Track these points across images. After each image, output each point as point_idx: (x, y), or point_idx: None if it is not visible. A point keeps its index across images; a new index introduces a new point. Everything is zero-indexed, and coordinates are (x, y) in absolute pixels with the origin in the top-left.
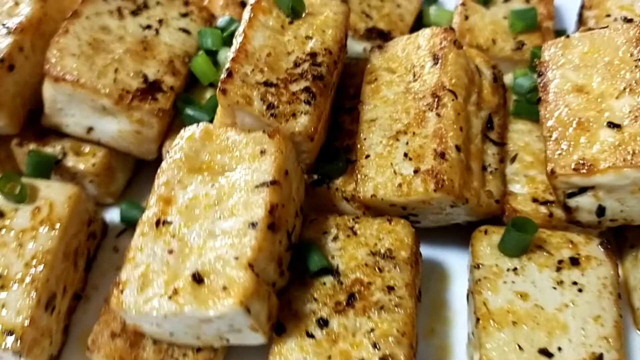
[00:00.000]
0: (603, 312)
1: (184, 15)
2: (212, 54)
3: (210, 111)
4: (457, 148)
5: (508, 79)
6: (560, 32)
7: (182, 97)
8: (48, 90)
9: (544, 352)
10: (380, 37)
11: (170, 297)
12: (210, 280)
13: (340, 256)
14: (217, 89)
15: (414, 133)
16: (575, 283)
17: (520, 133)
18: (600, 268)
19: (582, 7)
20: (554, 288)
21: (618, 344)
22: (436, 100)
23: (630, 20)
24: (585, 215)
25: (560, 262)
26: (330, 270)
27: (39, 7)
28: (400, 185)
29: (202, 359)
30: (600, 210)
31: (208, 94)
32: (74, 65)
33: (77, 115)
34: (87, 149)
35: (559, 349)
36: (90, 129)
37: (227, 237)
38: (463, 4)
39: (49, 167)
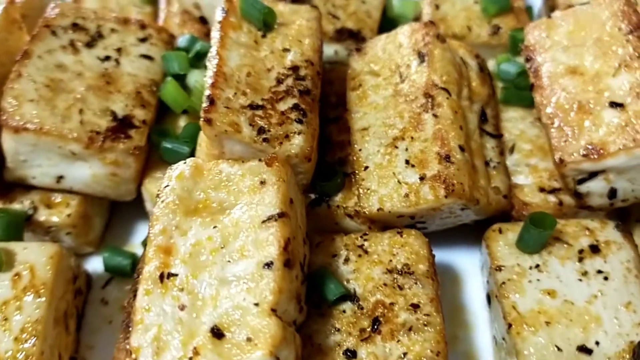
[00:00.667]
0: (632, 298)
1: (143, 40)
2: (180, 78)
3: (189, 141)
4: (461, 148)
5: (491, 66)
6: (529, 10)
7: (156, 130)
8: (8, 142)
9: (583, 349)
10: (350, 37)
11: (191, 359)
12: (231, 333)
13: (355, 279)
14: (201, 120)
15: (412, 138)
16: (599, 272)
17: (513, 121)
18: (621, 252)
19: None
20: (580, 280)
21: None
22: (430, 100)
23: None
24: (597, 199)
25: (580, 251)
26: (349, 296)
27: None
28: (407, 195)
29: None
30: (612, 193)
31: (182, 122)
32: (34, 112)
33: (44, 165)
34: (58, 199)
35: (597, 343)
36: (60, 178)
37: (242, 283)
38: None
39: (21, 226)
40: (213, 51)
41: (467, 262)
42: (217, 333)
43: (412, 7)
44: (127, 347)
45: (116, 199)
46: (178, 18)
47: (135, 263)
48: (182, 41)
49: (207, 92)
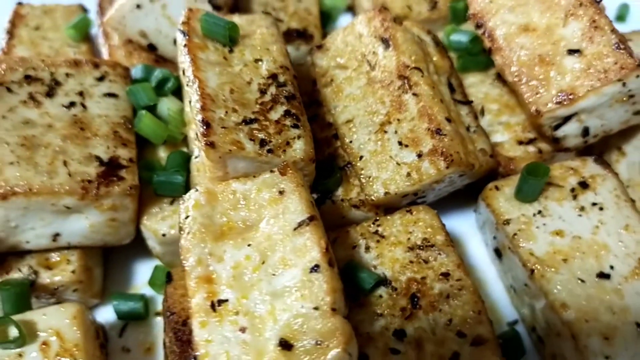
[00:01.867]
0: (629, 220)
1: (100, 78)
2: (150, 109)
3: (180, 170)
4: (448, 120)
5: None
6: None
7: (142, 165)
8: None
9: (601, 275)
10: (298, 37)
11: None
12: (300, 342)
13: (381, 264)
14: (202, 144)
15: (398, 120)
16: (594, 204)
17: (475, 86)
18: (607, 182)
19: None
20: (580, 215)
21: None
22: (405, 81)
23: None
24: (573, 140)
25: (572, 190)
26: (381, 281)
27: None
28: (409, 174)
29: None
30: (585, 131)
31: (162, 153)
32: (17, 175)
33: (38, 227)
34: (56, 257)
35: (612, 267)
36: (56, 236)
37: (294, 291)
38: None
39: (28, 295)
40: (189, 75)
41: (463, 225)
42: (285, 345)
43: None
44: None
45: (115, 244)
46: (122, 50)
47: (147, 304)
48: (136, 72)
49: (199, 117)
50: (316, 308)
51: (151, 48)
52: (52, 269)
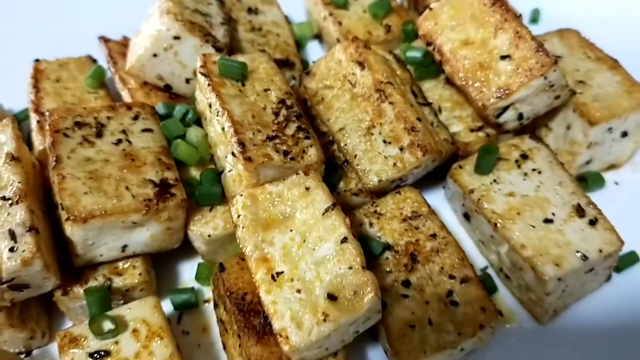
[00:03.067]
0: (561, 178)
1: (135, 118)
2: (181, 138)
3: (215, 183)
4: (418, 119)
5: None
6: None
7: (183, 182)
8: (77, 233)
9: (547, 221)
10: (283, 65)
11: (324, 320)
12: (342, 293)
13: (383, 234)
14: (241, 159)
15: (380, 124)
16: (534, 170)
17: (431, 90)
18: (541, 152)
19: None
20: (524, 179)
21: (581, 192)
22: (382, 93)
23: None
24: (511, 123)
25: (516, 161)
26: (386, 247)
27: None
28: (395, 164)
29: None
30: (520, 116)
31: (193, 171)
32: (92, 201)
33: (110, 241)
34: (123, 265)
35: (553, 214)
36: (124, 247)
37: (332, 258)
38: (330, 14)
39: (109, 297)
40: (218, 108)
41: (435, 199)
42: (332, 297)
43: (308, 28)
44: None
45: (167, 249)
46: (141, 92)
47: (196, 295)
48: (160, 109)
49: (234, 139)
50: (350, 268)
51: (167, 88)
52: (122, 275)
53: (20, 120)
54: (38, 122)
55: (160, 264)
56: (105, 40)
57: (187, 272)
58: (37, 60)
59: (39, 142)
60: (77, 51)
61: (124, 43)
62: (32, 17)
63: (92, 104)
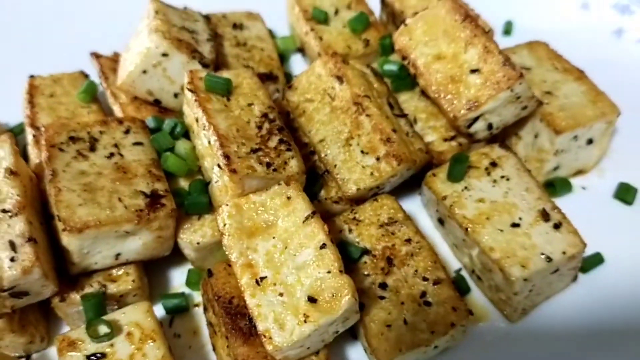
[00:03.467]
0: (528, 184)
1: (126, 132)
2: (170, 151)
3: (202, 194)
4: (394, 130)
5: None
6: (379, 18)
7: (174, 192)
8: (73, 243)
9: (514, 225)
10: (267, 79)
11: (305, 321)
12: (322, 296)
13: (362, 240)
14: (227, 171)
15: (358, 135)
16: (502, 177)
17: (406, 102)
18: (509, 160)
19: None
20: (493, 186)
21: (546, 197)
22: (359, 106)
23: None
24: (481, 133)
25: (486, 169)
26: (364, 251)
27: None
28: (372, 173)
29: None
30: (489, 126)
31: (182, 182)
32: (87, 212)
33: (104, 250)
34: (116, 272)
35: (520, 219)
36: (118, 255)
37: (312, 263)
38: (312, 29)
39: (104, 303)
40: (205, 123)
41: (411, 205)
42: (312, 300)
43: (291, 42)
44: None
45: (159, 257)
46: (131, 106)
47: (187, 299)
48: (150, 122)
49: (220, 152)
50: (329, 272)
51: (156, 102)
52: (116, 281)
53: (16, 134)
54: (34, 136)
55: (152, 271)
56: (97, 56)
57: (177, 278)
58: (31, 77)
59: (35, 155)
60: (69, 66)
61: (115, 59)
62: (25, 33)
63: (85, 118)
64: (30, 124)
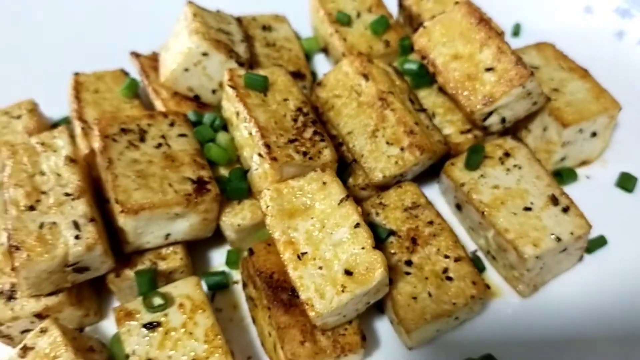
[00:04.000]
0: (538, 172)
1: (171, 124)
2: (212, 141)
3: (243, 180)
4: (416, 124)
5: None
6: (397, 20)
7: (216, 179)
8: (129, 223)
9: (526, 209)
10: (296, 77)
11: (343, 291)
12: (357, 270)
13: (388, 222)
14: (268, 159)
15: (383, 128)
16: (515, 165)
17: (425, 98)
18: (521, 150)
19: None
20: (507, 174)
21: (555, 184)
22: (384, 102)
23: (457, 3)
24: (495, 126)
25: (500, 159)
26: (391, 232)
27: (81, 173)
28: (396, 162)
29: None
30: (503, 120)
31: (222, 170)
32: (141, 196)
33: (155, 231)
34: (165, 251)
35: (532, 203)
36: (167, 236)
37: (347, 240)
38: (336, 31)
39: (155, 278)
40: (245, 116)
41: (430, 192)
42: (348, 272)
43: (315, 42)
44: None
45: (203, 237)
46: (172, 101)
47: (227, 277)
48: (191, 116)
49: (261, 142)
50: (363, 248)
51: (196, 98)
52: (166, 259)
53: None
54: (82, 128)
55: (193, 252)
56: (136, 55)
57: (216, 259)
58: (76, 74)
59: (84, 146)
60: (103, 65)
61: (153, 57)
62: (61, 34)
63: (128, 112)
64: (78, 117)
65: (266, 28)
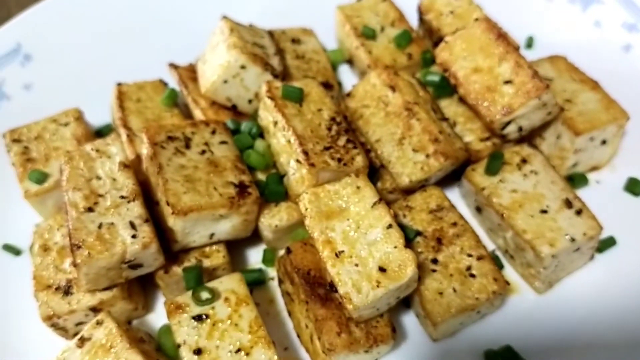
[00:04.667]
0: (553, 177)
1: (213, 132)
2: (250, 148)
3: (279, 185)
4: (440, 132)
5: None
6: (417, 33)
7: (256, 183)
8: (178, 224)
9: (543, 211)
10: (325, 87)
11: (377, 286)
12: (390, 267)
13: (414, 223)
14: (306, 165)
15: (410, 136)
16: (532, 171)
17: (447, 107)
18: (537, 157)
19: (421, 13)
20: (524, 179)
21: (569, 188)
22: (410, 112)
23: (477, 19)
24: (513, 134)
25: (517, 164)
26: (417, 233)
27: (134, 177)
28: (422, 168)
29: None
30: (520, 129)
31: (259, 175)
32: (190, 199)
33: (202, 230)
34: (208, 249)
35: (547, 206)
36: (212, 235)
37: (381, 240)
38: (362, 44)
39: (201, 274)
40: (284, 125)
41: (450, 196)
42: (382, 269)
43: (340, 54)
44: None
45: (243, 237)
46: (210, 110)
47: (263, 274)
48: (229, 124)
49: (299, 149)
50: (395, 247)
51: (233, 107)
52: (209, 257)
53: (105, 134)
54: (128, 135)
55: (231, 251)
56: (175, 67)
57: (252, 257)
58: (119, 84)
59: (130, 152)
60: (138, 75)
61: (190, 69)
62: (100, 48)
63: (169, 120)
64: (122, 125)
65: (295, 41)
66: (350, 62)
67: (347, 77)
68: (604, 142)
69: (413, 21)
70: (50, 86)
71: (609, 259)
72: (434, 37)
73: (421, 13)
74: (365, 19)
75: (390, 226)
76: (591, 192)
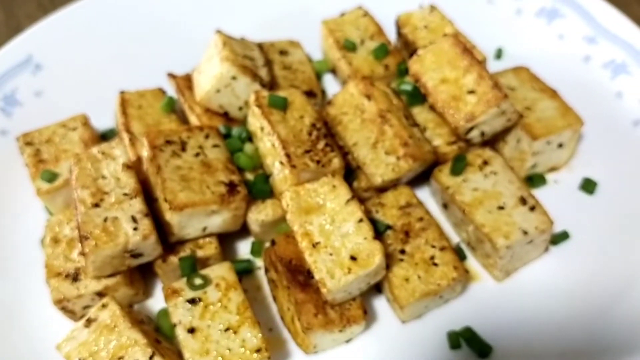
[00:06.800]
0: (510, 178)
1: (206, 137)
2: (240, 151)
3: (265, 183)
4: (410, 137)
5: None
6: (395, 46)
7: (245, 182)
8: (175, 218)
9: (500, 207)
10: (309, 95)
11: (349, 272)
12: (360, 255)
13: (385, 218)
14: (289, 166)
15: (383, 140)
16: (492, 172)
17: (418, 114)
18: (497, 159)
19: (398, 27)
20: (485, 179)
21: (525, 187)
22: (383, 119)
23: (445, 35)
24: (476, 139)
25: (479, 166)
26: (388, 227)
27: (135, 176)
28: (393, 169)
29: (357, 304)
30: (482, 134)
31: (248, 175)
32: (185, 196)
33: (195, 224)
34: (202, 241)
35: (504, 203)
36: (204, 229)
37: (352, 232)
38: (343, 56)
39: (195, 264)
40: (269, 131)
41: (421, 194)
42: (353, 258)
43: (325, 64)
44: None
45: (233, 230)
46: (205, 117)
47: (251, 264)
48: (221, 129)
49: (283, 152)
50: (365, 238)
51: (225, 114)
52: (202, 248)
53: (108, 137)
54: (130, 139)
55: (222, 243)
56: (172, 76)
57: (241, 249)
58: (122, 92)
59: (132, 154)
60: (142, 84)
61: (187, 78)
62: (102, 59)
63: (167, 125)
64: (125, 129)
65: (283, 53)
66: (334, 71)
67: (331, 85)
68: (560, 145)
69: (392, 34)
70: (59, 94)
71: (563, 252)
72: (410, 49)
73: (398, 27)
74: (347, 33)
75: (361, 220)
76: (550, 190)
